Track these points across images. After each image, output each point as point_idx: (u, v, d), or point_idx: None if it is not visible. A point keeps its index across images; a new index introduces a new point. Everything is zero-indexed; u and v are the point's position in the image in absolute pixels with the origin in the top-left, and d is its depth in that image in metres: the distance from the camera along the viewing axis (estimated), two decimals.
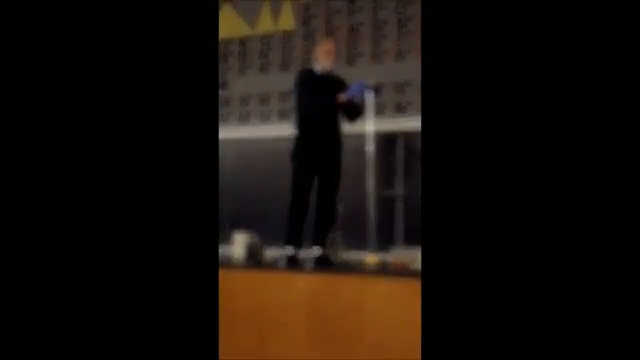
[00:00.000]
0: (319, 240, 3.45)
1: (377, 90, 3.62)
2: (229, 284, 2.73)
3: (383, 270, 3.19)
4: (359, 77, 3.80)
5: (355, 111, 3.59)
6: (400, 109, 4.13)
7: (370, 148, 3.56)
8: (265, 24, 4.70)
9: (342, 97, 3.40)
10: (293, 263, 3.33)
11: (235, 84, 4.79)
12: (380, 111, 4.04)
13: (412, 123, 4.01)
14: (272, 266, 3.27)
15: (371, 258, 3.46)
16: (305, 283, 2.98)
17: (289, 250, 3.40)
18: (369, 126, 3.60)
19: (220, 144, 1.94)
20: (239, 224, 3.86)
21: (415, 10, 4.13)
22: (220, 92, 4.58)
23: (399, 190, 4.01)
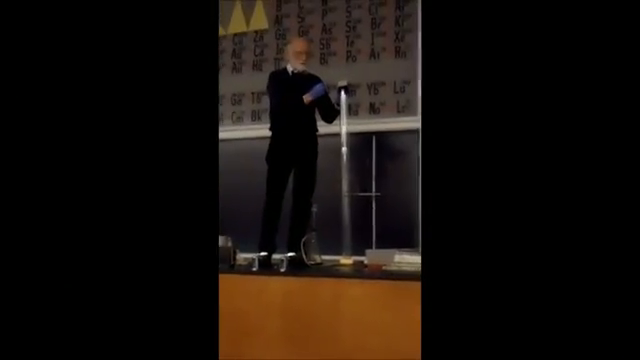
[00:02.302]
0: (294, 242, 3.42)
1: (348, 90, 3.62)
2: None
3: (358, 272, 3.18)
4: (332, 77, 3.78)
5: (329, 111, 3.57)
6: (374, 109, 4.12)
7: (344, 149, 3.54)
8: (237, 24, 4.64)
9: (307, 97, 3.41)
10: (267, 266, 3.29)
11: None
12: (353, 111, 4.03)
13: (386, 124, 4.01)
14: (246, 269, 3.23)
15: (346, 260, 3.45)
16: (279, 286, 2.95)
17: (263, 252, 3.36)
18: (343, 127, 3.59)
19: None
20: None
21: (388, 10, 4.13)
22: None
23: (373, 191, 3.99)
